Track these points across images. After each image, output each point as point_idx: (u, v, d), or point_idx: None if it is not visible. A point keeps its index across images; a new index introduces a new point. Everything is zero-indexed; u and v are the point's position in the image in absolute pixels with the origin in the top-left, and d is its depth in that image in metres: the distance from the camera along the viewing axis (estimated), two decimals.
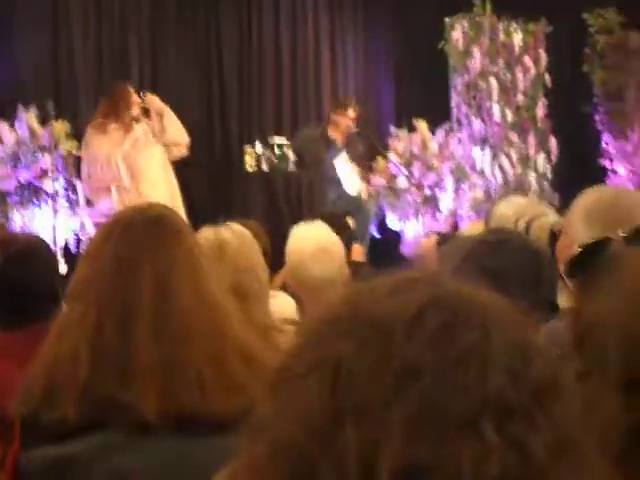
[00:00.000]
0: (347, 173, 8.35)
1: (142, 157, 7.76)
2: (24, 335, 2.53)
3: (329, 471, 0.77)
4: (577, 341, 1.25)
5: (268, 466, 0.80)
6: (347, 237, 5.02)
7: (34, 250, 2.85)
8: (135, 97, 7.85)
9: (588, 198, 2.20)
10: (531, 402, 0.79)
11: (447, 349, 0.79)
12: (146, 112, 7.96)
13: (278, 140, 8.19)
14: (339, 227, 4.85)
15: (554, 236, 2.62)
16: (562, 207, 4.27)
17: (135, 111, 7.81)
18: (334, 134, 8.57)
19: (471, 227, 5.05)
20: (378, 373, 0.78)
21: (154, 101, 7.96)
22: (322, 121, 8.87)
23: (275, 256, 3.99)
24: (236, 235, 2.81)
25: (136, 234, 1.84)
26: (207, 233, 2.79)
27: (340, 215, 5.66)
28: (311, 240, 3.37)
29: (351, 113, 8.58)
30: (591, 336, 1.18)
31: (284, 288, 3.81)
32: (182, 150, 8.04)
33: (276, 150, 8.11)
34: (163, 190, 7.74)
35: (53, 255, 3.12)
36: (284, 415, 0.80)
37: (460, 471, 0.75)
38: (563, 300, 2.14)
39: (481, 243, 2.41)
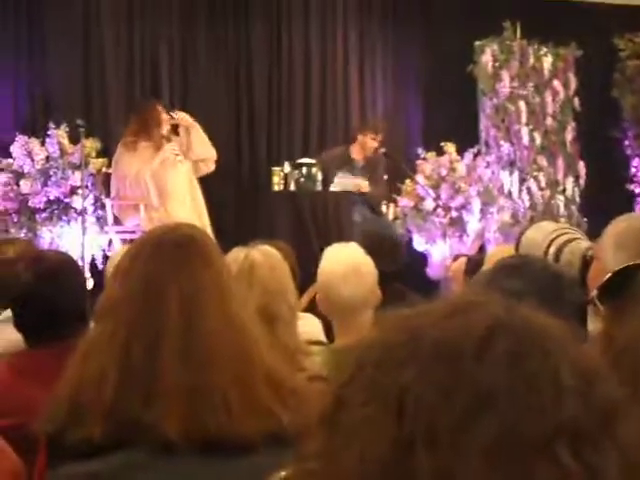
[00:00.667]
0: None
1: (170, 176, 7.81)
2: (51, 353, 2.54)
3: None
4: (610, 366, 1.24)
5: None
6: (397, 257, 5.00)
7: (64, 268, 2.86)
8: (165, 115, 7.89)
9: (619, 225, 2.19)
10: (600, 427, 0.78)
11: (519, 372, 0.78)
12: (175, 129, 8.01)
13: (306, 160, 8.21)
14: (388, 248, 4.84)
15: (586, 262, 2.60)
16: (590, 232, 4.24)
17: (165, 129, 7.86)
18: (357, 155, 8.61)
19: (497, 250, 5.04)
20: (448, 398, 0.76)
21: (184, 118, 8.02)
22: (349, 142, 8.88)
23: (301, 276, 3.99)
24: (266, 257, 2.80)
25: (164, 255, 1.84)
26: (237, 254, 2.78)
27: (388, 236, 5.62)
28: (342, 261, 3.36)
29: (379, 136, 8.62)
30: (625, 361, 1.17)
31: (311, 309, 3.80)
32: (210, 165, 8.11)
33: (303, 170, 8.12)
34: (191, 209, 7.78)
35: (82, 273, 3.14)
36: (345, 448, 0.77)
37: None
38: (594, 326, 2.13)
39: (502, 267, 2.41)
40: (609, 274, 1.52)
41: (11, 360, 2.74)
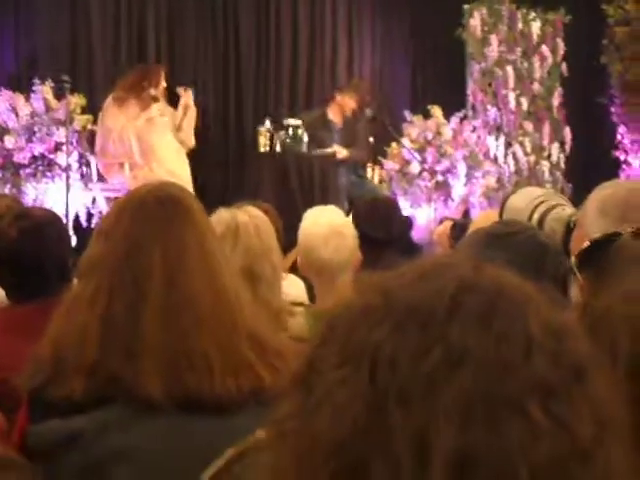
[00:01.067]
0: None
1: (155, 136, 7.81)
2: (34, 309, 2.54)
3: (379, 462, 0.76)
4: (587, 334, 1.26)
5: (308, 463, 0.78)
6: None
7: (48, 225, 2.85)
8: (162, 81, 7.89)
9: (603, 192, 2.19)
10: (571, 383, 0.79)
11: (488, 332, 0.79)
12: (174, 101, 8.01)
13: (292, 121, 8.18)
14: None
15: (569, 229, 2.61)
16: (575, 198, 4.25)
17: (156, 91, 7.84)
18: (335, 117, 8.53)
19: (483, 215, 5.04)
20: (421, 358, 0.77)
21: (189, 97, 8.01)
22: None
23: (286, 238, 4.00)
24: (252, 218, 2.80)
25: (147, 214, 1.84)
26: (223, 215, 2.79)
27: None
28: (323, 223, 3.37)
29: (358, 96, 8.54)
30: (600, 329, 1.18)
31: (294, 270, 3.81)
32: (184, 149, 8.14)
33: (290, 131, 8.10)
34: (174, 168, 7.77)
35: (66, 230, 3.12)
36: (319, 409, 0.78)
37: (510, 453, 0.75)
38: (576, 294, 2.14)
39: (488, 235, 2.40)
40: (588, 242, 1.53)
41: None
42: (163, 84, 7.92)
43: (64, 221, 3.56)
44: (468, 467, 0.74)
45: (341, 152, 8.30)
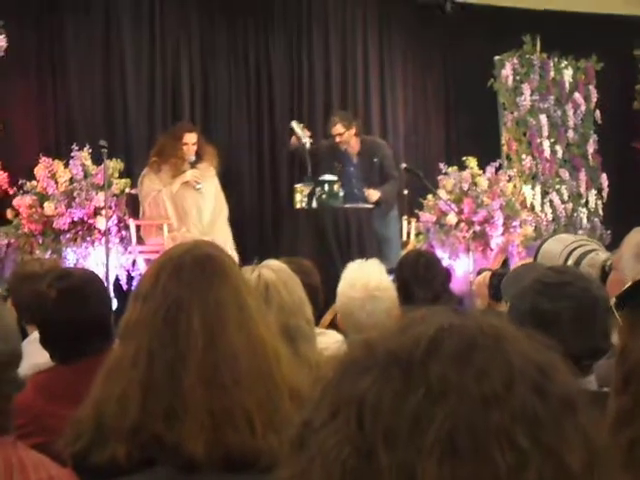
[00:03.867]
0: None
1: (190, 200, 7.91)
2: (76, 370, 2.55)
3: None
4: (624, 379, 1.25)
5: None
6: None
7: (88, 285, 2.86)
8: (189, 140, 7.95)
9: (638, 234, 2.18)
10: (558, 413, 0.80)
11: (467, 366, 0.80)
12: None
13: (328, 177, 8.22)
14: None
15: (605, 273, 2.59)
16: (614, 244, 4.23)
17: (188, 154, 7.93)
18: (349, 150, 8.54)
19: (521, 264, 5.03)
20: (404, 399, 0.79)
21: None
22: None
23: (325, 293, 4.00)
24: (277, 273, 2.77)
25: (184, 275, 1.85)
26: (249, 274, 2.73)
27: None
28: (360, 286, 3.38)
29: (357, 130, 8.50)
30: (637, 377, 1.17)
31: (334, 325, 3.81)
32: None
33: (325, 187, 8.13)
34: (211, 231, 7.84)
35: (106, 290, 3.13)
36: (312, 463, 0.80)
37: None
38: (616, 338, 2.12)
39: (541, 283, 2.38)
40: (629, 283, 1.52)
41: (37, 378, 2.75)
42: (191, 142, 7.98)
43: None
44: None
45: (374, 194, 8.27)
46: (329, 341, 3.39)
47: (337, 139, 8.44)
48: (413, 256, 5.08)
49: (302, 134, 8.35)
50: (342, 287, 3.46)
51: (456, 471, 0.75)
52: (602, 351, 2.29)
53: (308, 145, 8.32)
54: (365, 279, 3.45)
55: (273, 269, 2.79)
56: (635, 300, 1.46)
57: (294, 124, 8.50)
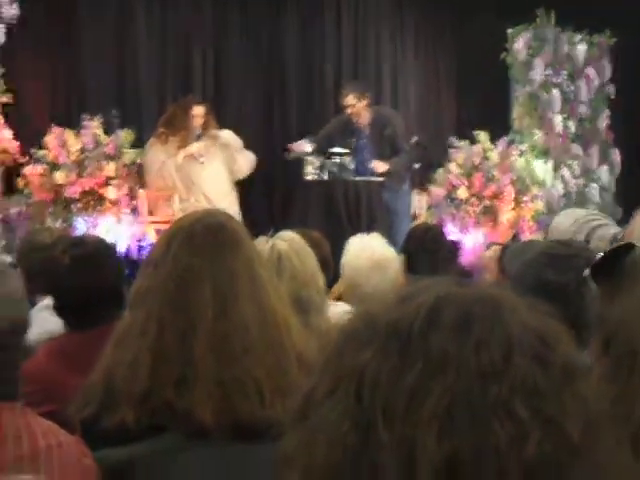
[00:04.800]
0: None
1: (195, 171, 7.94)
2: (89, 337, 2.55)
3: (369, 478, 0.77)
4: (603, 343, 1.26)
5: None
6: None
7: (101, 252, 2.86)
8: (197, 112, 7.95)
9: None
10: (558, 383, 0.80)
11: (467, 338, 0.80)
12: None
13: (338, 149, 8.20)
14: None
15: None
16: (625, 220, 4.21)
17: (196, 127, 7.94)
18: (359, 122, 8.45)
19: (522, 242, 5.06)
20: (402, 372, 0.79)
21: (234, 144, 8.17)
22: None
23: (335, 264, 4.00)
24: (291, 244, 2.79)
25: (196, 244, 1.85)
26: (263, 245, 2.76)
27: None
28: (365, 257, 3.39)
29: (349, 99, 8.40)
30: (616, 340, 1.18)
31: (341, 298, 3.81)
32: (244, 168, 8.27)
33: (337, 159, 8.12)
34: (219, 201, 7.86)
35: (119, 258, 3.13)
36: (315, 436, 0.80)
37: (498, 454, 0.75)
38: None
39: (547, 255, 2.38)
40: (601, 253, 1.54)
41: (50, 344, 2.75)
42: (199, 115, 7.98)
43: None
44: (455, 472, 0.75)
45: (381, 166, 8.20)
46: (339, 312, 3.40)
47: (348, 110, 8.38)
48: (421, 229, 5.09)
49: (301, 150, 8.28)
50: (347, 259, 3.46)
51: (455, 444, 0.75)
52: None
53: (311, 150, 8.27)
54: (369, 251, 3.46)
55: (286, 240, 2.80)
56: (609, 269, 1.47)
57: (291, 154, 8.40)
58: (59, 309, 2.82)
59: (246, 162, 8.24)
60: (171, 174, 7.88)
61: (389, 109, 8.96)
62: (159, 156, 7.90)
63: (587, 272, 1.55)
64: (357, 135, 8.41)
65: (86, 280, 2.75)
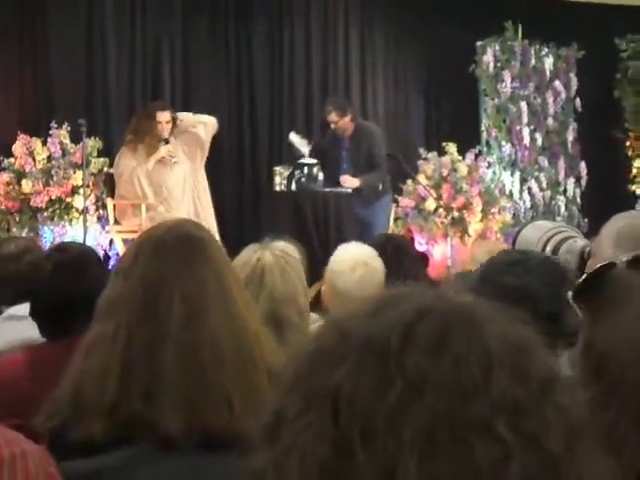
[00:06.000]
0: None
1: (167, 176, 7.89)
2: (62, 348, 2.52)
3: None
4: (594, 371, 1.25)
5: None
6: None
7: (84, 260, 2.81)
8: (162, 119, 7.91)
9: (618, 222, 2.20)
10: (538, 396, 0.78)
11: (444, 355, 0.77)
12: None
13: (307, 160, 8.21)
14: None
15: (584, 260, 2.61)
16: (591, 233, 4.25)
17: (162, 132, 7.89)
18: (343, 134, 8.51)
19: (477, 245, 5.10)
20: (380, 393, 0.76)
21: (188, 119, 8.11)
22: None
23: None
24: (278, 262, 2.71)
25: (165, 253, 1.84)
26: (250, 256, 2.71)
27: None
28: (352, 253, 3.39)
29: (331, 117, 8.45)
30: (606, 368, 1.18)
31: (314, 307, 3.80)
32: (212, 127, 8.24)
33: (305, 169, 8.13)
34: (191, 209, 7.83)
35: (103, 268, 3.03)
36: (288, 457, 0.77)
37: (481, 476, 0.73)
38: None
39: (497, 263, 2.39)
40: (584, 275, 1.53)
41: (27, 354, 2.70)
42: (164, 120, 7.94)
43: None
44: None
45: (351, 181, 8.20)
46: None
47: (332, 126, 8.42)
48: (382, 238, 5.09)
49: (301, 145, 8.31)
50: (333, 256, 3.47)
51: (437, 468, 0.73)
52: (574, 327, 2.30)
53: (307, 153, 8.28)
54: (358, 249, 3.46)
55: (275, 253, 2.74)
56: (591, 291, 1.46)
57: (292, 137, 8.44)
58: (36, 315, 2.77)
59: (206, 131, 8.19)
60: (140, 181, 7.83)
61: (371, 124, 8.95)
62: (130, 163, 7.86)
63: (570, 296, 1.55)
64: (340, 146, 8.44)
65: (66, 287, 2.70)
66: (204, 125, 8.17)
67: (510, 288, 2.23)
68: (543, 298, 2.25)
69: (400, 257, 4.72)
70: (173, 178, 7.92)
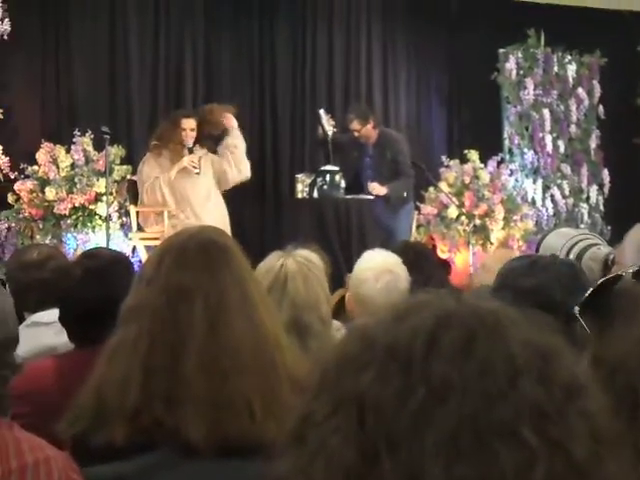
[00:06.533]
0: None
1: (189, 185, 7.87)
2: (92, 355, 2.52)
3: None
4: (601, 384, 1.25)
5: None
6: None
7: (113, 266, 2.79)
8: (187, 126, 7.90)
9: None
10: (563, 402, 0.78)
11: (469, 362, 0.78)
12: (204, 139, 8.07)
13: (329, 167, 8.22)
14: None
15: (607, 267, 2.60)
16: (614, 240, 4.23)
17: (186, 140, 7.88)
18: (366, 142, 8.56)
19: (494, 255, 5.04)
20: (405, 399, 0.77)
21: (238, 152, 8.12)
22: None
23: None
24: (301, 269, 2.72)
25: (188, 260, 1.85)
26: (273, 263, 2.71)
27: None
28: (378, 260, 3.39)
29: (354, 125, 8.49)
30: (616, 380, 1.17)
31: (336, 314, 3.80)
32: (241, 179, 8.18)
33: (327, 177, 8.13)
34: (211, 218, 7.83)
35: (133, 274, 3.03)
36: (314, 460, 0.78)
37: None
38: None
39: (512, 269, 2.38)
40: (590, 289, 1.52)
41: (55, 361, 2.69)
42: (190, 129, 7.95)
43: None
44: None
45: (378, 189, 8.23)
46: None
47: (355, 134, 8.43)
48: (402, 246, 5.09)
49: (327, 124, 8.34)
50: (359, 262, 3.47)
51: (462, 472, 0.74)
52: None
53: (331, 135, 8.31)
54: (384, 256, 3.46)
55: (298, 261, 2.74)
56: (599, 304, 1.46)
57: (322, 112, 8.48)
58: (65, 321, 2.76)
59: (234, 175, 8.17)
60: (162, 189, 7.83)
61: (395, 132, 8.95)
62: (153, 172, 7.85)
63: (576, 309, 1.54)
64: (362, 152, 8.45)
65: (96, 293, 2.67)
66: (238, 172, 8.13)
67: (526, 289, 2.22)
68: (561, 291, 2.23)
69: (421, 264, 4.72)
70: (196, 188, 7.89)
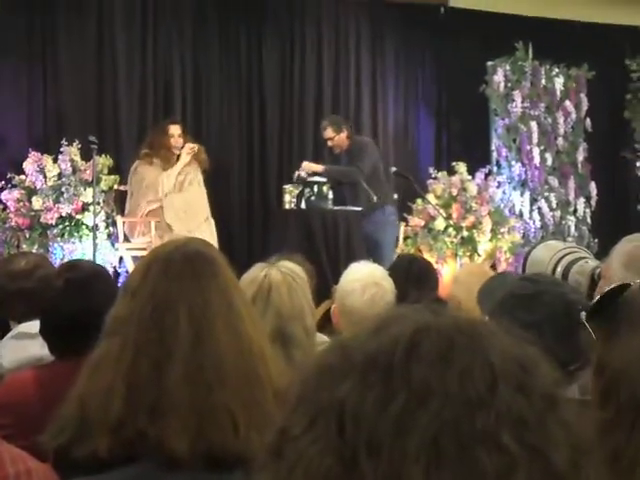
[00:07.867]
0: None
1: (182, 197, 7.94)
2: (72, 367, 2.51)
3: None
4: (603, 393, 1.25)
5: None
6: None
7: (95, 279, 2.79)
8: (174, 132, 8.01)
9: (628, 245, 2.19)
10: (542, 411, 0.78)
11: (449, 368, 0.78)
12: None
13: (317, 179, 8.22)
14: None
15: (594, 281, 2.60)
16: (601, 253, 4.24)
17: (175, 145, 8.02)
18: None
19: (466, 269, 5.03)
20: (385, 404, 0.77)
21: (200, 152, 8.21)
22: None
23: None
24: (285, 279, 2.72)
25: (173, 272, 1.84)
26: (257, 273, 2.71)
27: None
28: (364, 272, 3.39)
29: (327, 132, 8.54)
30: (618, 389, 1.17)
31: (322, 326, 3.80)
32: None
33: (314, 188, 8.14)
34: (200, 228, 7.86)
35: (114, 286, 2.97)
36: (292, 474, 0.78)
37: None
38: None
39: (515, 297, 2.37)
40: (598, 296, 1.52)
41: (36, 373, 2.68)
42: (176, 140, 8.02)
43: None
44: None
45: (311, 167, 8.27)
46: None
47: (328, 143, 8.47)
48: (406, 259, 5.10)
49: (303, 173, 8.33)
50: (344, 275, 3.47)
51: (442, 477, 0.74)
52: (587, 356, 2.29)
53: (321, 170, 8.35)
54: (370, 269, 3.46)
55: (282, 271, 2.75)
56: (605, 312, 1.46)
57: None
58: (46, 333, 2.75)
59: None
60: (163, 184, 7.96)
61: (367, 138, 9.00)
62: (152, 170, 7.95)
63: (583, 316, 1.54)
64: (336, 162, 8.49)
65: (77, 305, 2.68)
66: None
67: (522, 323, 2.23)
68: (553, 334, 2.23)
69: (425, 278, 4.73)
70: (182, 197, 7.98)
